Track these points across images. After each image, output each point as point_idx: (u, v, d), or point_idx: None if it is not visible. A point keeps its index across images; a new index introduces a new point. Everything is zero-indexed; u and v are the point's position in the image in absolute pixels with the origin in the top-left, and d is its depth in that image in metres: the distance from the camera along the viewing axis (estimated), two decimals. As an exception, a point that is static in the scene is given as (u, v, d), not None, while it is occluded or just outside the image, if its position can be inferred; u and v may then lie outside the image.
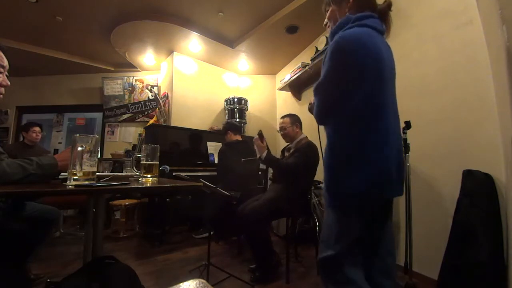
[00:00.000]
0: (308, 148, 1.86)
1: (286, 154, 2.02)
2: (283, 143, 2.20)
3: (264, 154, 1.84)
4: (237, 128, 2.62)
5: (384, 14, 0.92)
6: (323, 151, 0.92)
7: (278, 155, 2.21)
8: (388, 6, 0.92)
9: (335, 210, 0.86)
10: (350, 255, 0.83)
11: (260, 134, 1.89)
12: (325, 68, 0.85)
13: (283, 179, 1.91)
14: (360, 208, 0.82)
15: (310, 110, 1.10)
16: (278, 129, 2.07)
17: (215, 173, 2.76)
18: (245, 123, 3.73)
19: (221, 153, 2.50)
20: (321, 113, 0.89)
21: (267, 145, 1.91)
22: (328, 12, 1.00)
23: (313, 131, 1.30)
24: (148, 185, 0.96)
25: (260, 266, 1.74)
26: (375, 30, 0.85)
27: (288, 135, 2.01)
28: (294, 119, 2.01)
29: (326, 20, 1.03)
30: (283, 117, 2.06)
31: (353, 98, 0.80)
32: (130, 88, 4.18)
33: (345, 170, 0.81)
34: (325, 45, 2.56)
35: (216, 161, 3.00)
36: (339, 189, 0.82)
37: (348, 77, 0.81)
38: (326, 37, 2.56)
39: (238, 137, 2.56)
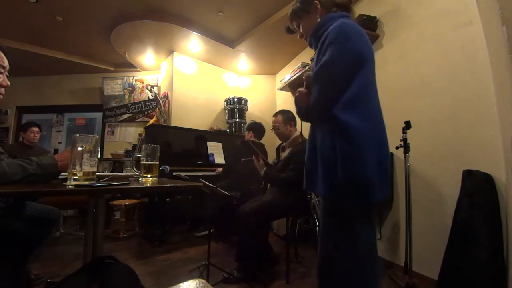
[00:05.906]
0: (304, 152, 1.83)
1: (281, 153, 2.00)
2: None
3: (263, 171, 1.86)
4: (259, 131, 2.68)
5: (347, 8, 0.97)
6: (321, 144, 0.90)
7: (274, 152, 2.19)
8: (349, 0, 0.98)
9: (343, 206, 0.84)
10: (370, 259, 0.79)
11: (245, 142, 2.00)
12: (330, 51, 0.82)
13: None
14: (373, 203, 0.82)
15: (297, 102, 1.04)
16: (272, 128, 2.00)
17: (215, 173, 2.76)
18: (245, 123, 3.72)
19: (237, 150, 2.52)
20: (324, 100, 0.85)
21: (265, 160, 1.92)
22: (301, 25, 1.04)
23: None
24: (148, 185, 0.95)
25: (242, 266, 1.70)
26: None
27: (281, 134, 1.94)
28: (286, 117, 1.92)
29: (301, 32, 1.06)
30: (275, 115, 1.97)
31: (358, 81, 0.82)
32: (130, 88, 4.18)
33: (362, 159, 0.79)
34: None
35: (215, 161, 3.01)
36: (351, 178, 0.79)
37: (353, 59, 0.82)
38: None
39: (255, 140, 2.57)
